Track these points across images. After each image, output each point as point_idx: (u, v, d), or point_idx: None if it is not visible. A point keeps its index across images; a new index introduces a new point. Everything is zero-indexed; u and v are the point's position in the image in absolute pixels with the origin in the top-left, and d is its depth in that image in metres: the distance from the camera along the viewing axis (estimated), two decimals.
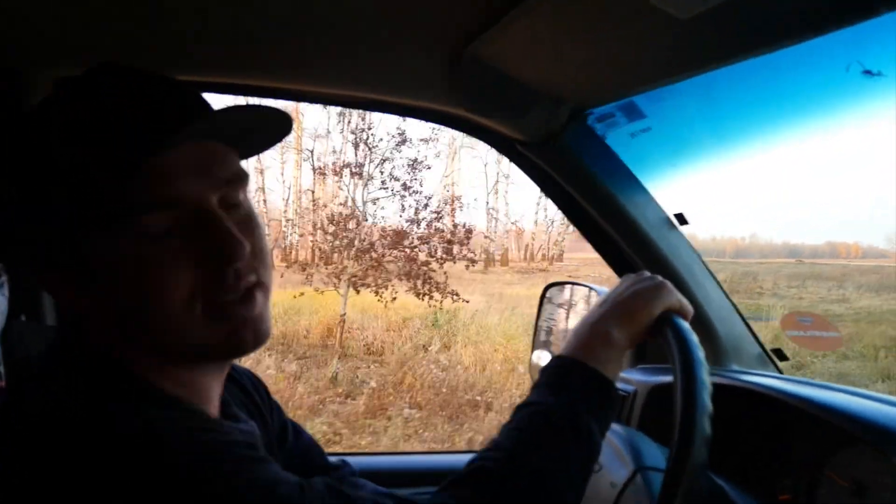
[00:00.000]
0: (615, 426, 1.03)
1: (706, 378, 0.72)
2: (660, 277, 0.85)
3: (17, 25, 1.03)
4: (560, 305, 1.69)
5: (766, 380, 1.15)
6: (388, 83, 1.22)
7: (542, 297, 1.70)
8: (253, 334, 0.65)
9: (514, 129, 1.25)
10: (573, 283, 1.65)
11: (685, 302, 0.84)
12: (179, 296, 0.61)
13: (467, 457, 0.72)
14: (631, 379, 1.39)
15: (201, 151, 0.63)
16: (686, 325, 0.79)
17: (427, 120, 1.35)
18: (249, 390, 0.91)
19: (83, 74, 0.63)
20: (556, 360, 0.79)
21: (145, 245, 0.60)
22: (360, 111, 7.99)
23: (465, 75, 1.11)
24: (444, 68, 1.11)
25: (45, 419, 0.55)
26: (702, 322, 1.33)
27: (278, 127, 0.68)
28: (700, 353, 0.74)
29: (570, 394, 0.74)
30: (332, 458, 0.98)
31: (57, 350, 0.66)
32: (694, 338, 0.76)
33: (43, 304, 1.27)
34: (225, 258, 0.62)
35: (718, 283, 1.40)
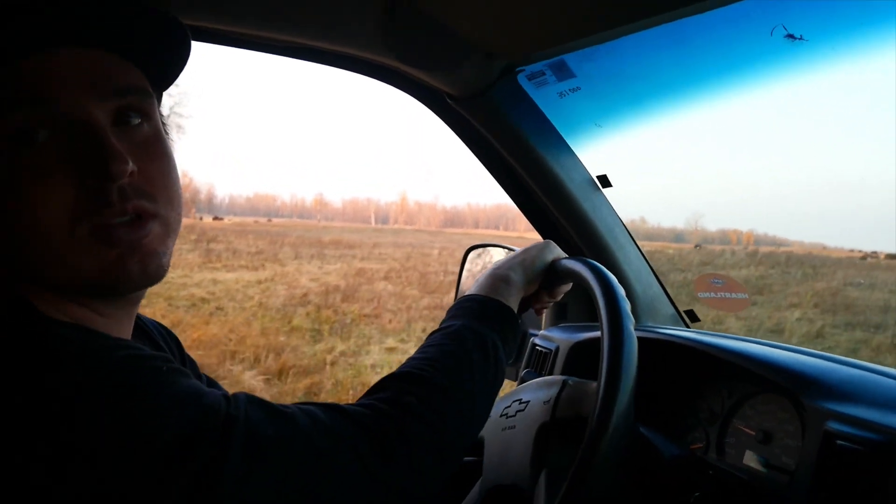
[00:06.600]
0: (537, 379, 1.05)
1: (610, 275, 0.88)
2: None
3: None
4: (478, 265, 1.72)
5: (682, 332, 1.19)
6: (318, 28, 1.15)
7: (464, 259, 1.74)
8: (140, 265, 0.61)
9: (445, 82, 1.22)
10: (492, 245, 1.70)
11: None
12: (58, 213, 0.57)
13: None
14: (552, 336, 1.41)
15: (84, 59, 0.59)
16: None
17: (356, 71, 1.29)
18: (160, 343, 0.85)
19: None
20: (461, 299, 0.90)
21: (13, 151, 0.56)
22: None
23: (398, 24, 1.07)
24: (378, 15, 1.06)
25: None
26: (620, 281, 1.37)
27: (178, 43, 0.67)
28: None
29: (472, 316, 0.84)
30: None
31: None
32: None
33: None
34: (103, 172, 0.57)
35: (637, 245, 1.45)
